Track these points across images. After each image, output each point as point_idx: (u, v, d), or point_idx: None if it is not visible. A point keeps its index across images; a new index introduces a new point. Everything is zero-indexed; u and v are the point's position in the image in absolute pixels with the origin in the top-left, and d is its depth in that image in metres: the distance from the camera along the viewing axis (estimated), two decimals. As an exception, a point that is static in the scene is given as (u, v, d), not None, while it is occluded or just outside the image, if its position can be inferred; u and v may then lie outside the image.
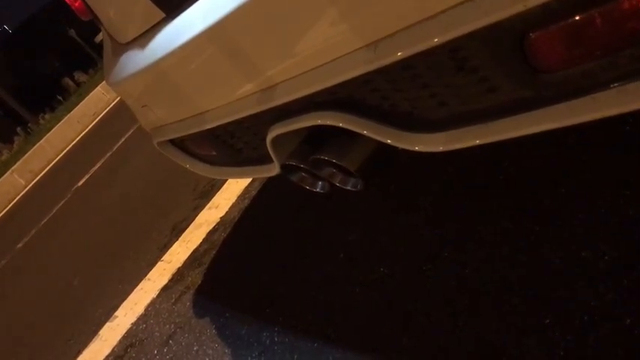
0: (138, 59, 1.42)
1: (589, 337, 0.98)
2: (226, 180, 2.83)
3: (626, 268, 1.02)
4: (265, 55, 1.04)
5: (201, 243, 2.51)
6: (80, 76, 19.31)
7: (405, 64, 0.84)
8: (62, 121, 11.93)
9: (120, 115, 8.67)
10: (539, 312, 1.08)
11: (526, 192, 1.33)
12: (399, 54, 0.81)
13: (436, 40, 0.76)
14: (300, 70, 0.99)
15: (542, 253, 1.18)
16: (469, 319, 1.20)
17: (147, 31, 1.39)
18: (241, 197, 2.56)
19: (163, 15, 1.30)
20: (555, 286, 1.10)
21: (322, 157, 1.18)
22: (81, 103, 12.03)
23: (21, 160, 11.44)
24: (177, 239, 2.76)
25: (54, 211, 6.29)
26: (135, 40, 1.45)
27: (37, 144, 11.67)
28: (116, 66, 1.56)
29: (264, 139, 1.26)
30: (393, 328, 1.33)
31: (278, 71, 1.04)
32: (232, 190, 2.70)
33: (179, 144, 1.72)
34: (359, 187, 1.26)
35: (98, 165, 6.54)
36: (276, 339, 1.60)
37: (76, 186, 6.53)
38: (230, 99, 1.22)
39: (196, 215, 2.79)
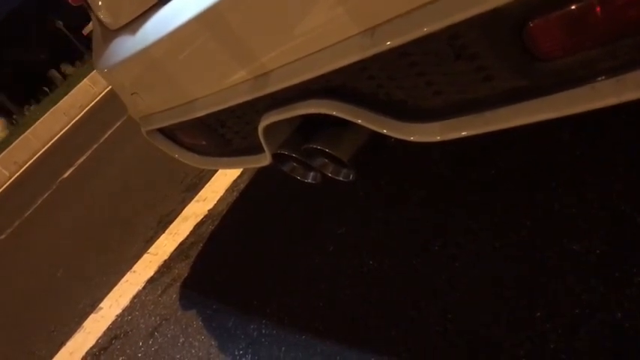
0: (128, 45, 1.39)
1: (580, 331, 0.98)
2: (214, 173, 2.81)
3: (617, 262, 1.02)
4: (259, 41, 1.02)
5: (188, 236, 2.49)
6: (67, 68, 19.14)
7: (402, 50, 0.83)
8: (48, 113, 11.81)
9: (107, 108, 8.60)
10: (529, 305, 1.08)
11: (518, 185, 1.33)
12: (396, 40, 0.80)
13: (435, 26, 0.75)
14: (294, 56, 0.98)
15: (533, 246, 1.17)
16: (459, 312, 1.19)
17: (138, 17, 1.37)
18: (229, 190, 2.54)
19: (155, 0, 1.28)
20: (546, 279, 1.10)
21: (315, 146, 1.16)
22: (67, 95, 11.92)
23: (5, 151, 11.31)
24: (163, 232, 2.73)
25: (38, 202, 6.22)
26: (126, 25, 1.43)
27: (22, 135, 11.55)
28: (106, 52, 1.54)
29: (255, 128, 1.25)
30: (381, 321, 1.32)
31: (272, 58, 1.02)
32: (220, 183, 2.68)
33: (168, 133, 1.70)
34: (351, 177, 1.26)
35: (84, 157, 6.48)
36: (263, 331, 1.59)
37: (61, 178, 6.46)
38: (222, 86, 1.20)
39: (183, 208, 2.77)
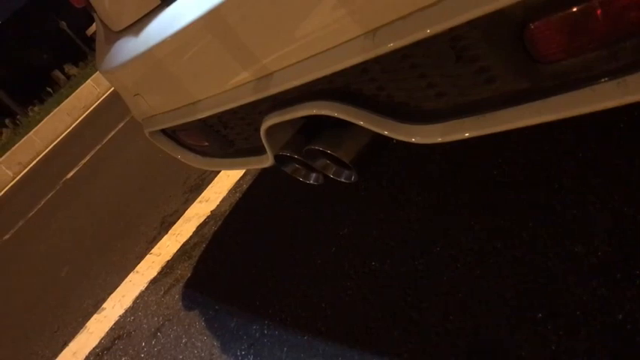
0: (131, 47, 1.40)
1: (581, 332, 0.98)
2: (217, 174, 2.82)
3: (618, 264, 1.02)
4: (261, 43, 1.02)
5: (191, 236, 2.49)
6: (70, 69, 19.11)
7: (403, 52, 0.83)
8: (51, 114, 11.81)
9: (110, 109, 8.61)
10: (530, 306, 1.08)
11: (519, 186, 1.33)
12: (398, 42, 0.80)
13: (436, 28, 0.75)
14: (296, 58, 0.98)
15: (535, 248, 1.17)
16: (461, 313, 1.19)
17: (141, 19, 1.37)
18: (232, 191, 2.55)
19: (158, 2, 1.29)
20: (548, 280, 1.10)
21: (317, 147, 1.17)
22: (71, 96, 11.91)
23: (9, 152, 11.32)
24: (166, 232, 2.74)
25: (42, 203, 6.23)
26: (129, 27, 1.44)
27: (26, 136, 11.56)
28: (109, 54, 1.54)
29: (257, 130, 1.25)
30: (383, 322, 1.32)
31: (274, 59, 1.03)
32: (223, 184, 2.68)
33: (171, 134, 1.70)
34: (353, 178, 1.26)
35: (87, 158, 6.49)
36: (265, 332, 1.59)
37: (64, 178, 6.47)
38: (224, 88, 1.20)
39: (186, 209, 2.77)
